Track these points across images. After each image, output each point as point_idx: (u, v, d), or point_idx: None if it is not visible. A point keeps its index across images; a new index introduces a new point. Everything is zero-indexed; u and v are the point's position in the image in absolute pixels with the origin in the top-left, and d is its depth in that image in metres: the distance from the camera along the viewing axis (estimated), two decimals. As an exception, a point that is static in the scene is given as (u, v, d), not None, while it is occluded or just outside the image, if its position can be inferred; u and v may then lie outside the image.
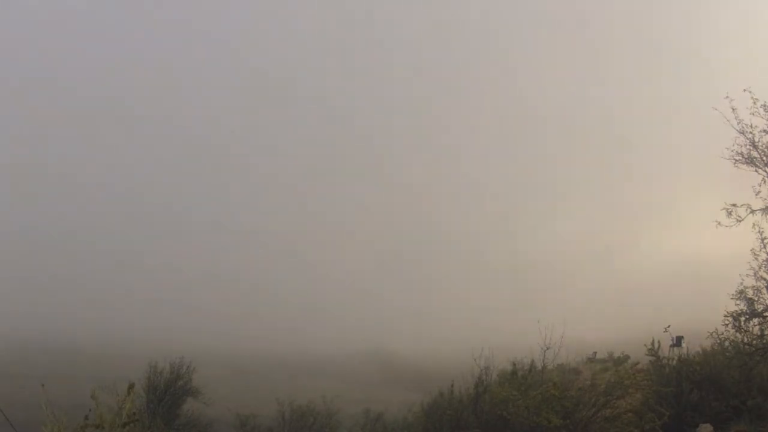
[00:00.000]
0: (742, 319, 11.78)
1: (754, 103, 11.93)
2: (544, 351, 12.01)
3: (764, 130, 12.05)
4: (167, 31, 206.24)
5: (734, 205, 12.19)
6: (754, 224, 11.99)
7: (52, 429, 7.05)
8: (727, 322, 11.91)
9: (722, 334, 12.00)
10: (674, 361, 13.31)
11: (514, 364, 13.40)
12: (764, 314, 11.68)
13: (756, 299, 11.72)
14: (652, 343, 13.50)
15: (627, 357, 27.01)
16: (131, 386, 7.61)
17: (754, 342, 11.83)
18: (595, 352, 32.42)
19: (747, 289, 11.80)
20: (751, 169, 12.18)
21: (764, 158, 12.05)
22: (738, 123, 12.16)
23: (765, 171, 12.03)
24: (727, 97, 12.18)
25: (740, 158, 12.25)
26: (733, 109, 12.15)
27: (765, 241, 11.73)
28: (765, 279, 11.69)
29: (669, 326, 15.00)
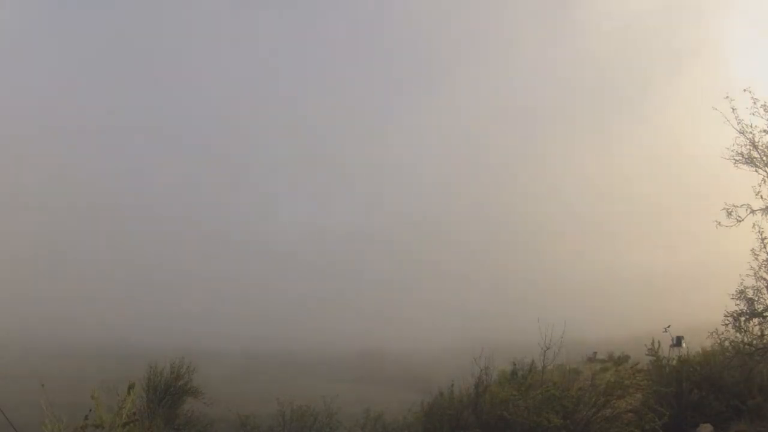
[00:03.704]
0: (742, 319, 11.80)
1: (754, 103, 11.96)
2: (544, 351, 12.01)
3: (764, 130, 12.08)
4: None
5: (734, 205, 12.23)
6: (754, 224, 12.02)
7: (52, 429, 7.06)
8: (727, 322, 11.92)
9: (722, 334, 12.02)
10: (674, 361, 13.31)
11: (514, 364, 13.41)
12: (764, 314, 11.69)
13: (756, 299, 11.74)
14: (652, 343, 13.50)
15: (627, 357, 26.99)
16: (131, 386, 7.63)
17: (754, 342, 11.84)
18: (595, 352, 32.41)
19: (747, 289, 11.83)
20: (751, 169, 12.21)
21: (764, 158, 12.07)
22: (738, 123, 12.20)
23: (765, 171, 12.06)
24: (727, 97, 12.22)
25: (740, 158, 12.28)
26: (733, 109, 12.19)
27: (765, 241, 11.76)
28: (765, 279, 11.71)
29: (669, 326, 15.03)
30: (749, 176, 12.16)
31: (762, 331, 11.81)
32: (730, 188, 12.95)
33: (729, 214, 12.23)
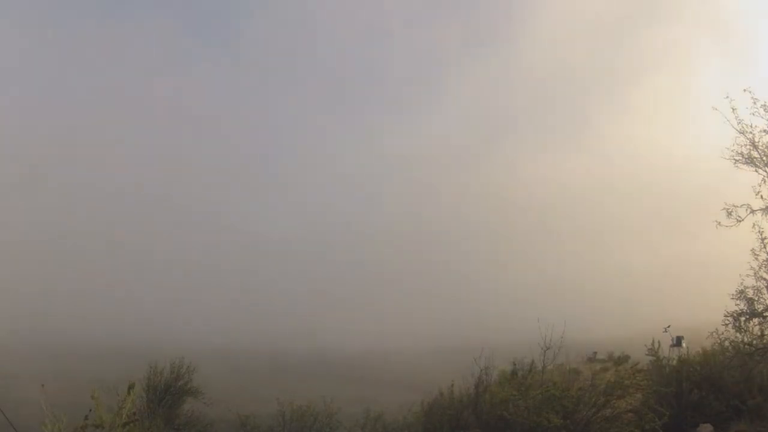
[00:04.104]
0: (742, 319, 11.79)
1: (754, 103, 11.95)
2: (544, 351, 12.01)
3: (764, 130, 12.07)
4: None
5: (734, 205, 12.22)
6: (754, 224, 12.01)
7: (52, 429, 7.06)
8: (727, 322, 11.91)
9: (722, 334, 12.00)
10: (674, 361, 13.30)
11: (514, 364, 13.40)
12: (764, 314, 11.68)
13: (756, 299, 11.73)
14: (652, 343, 13.49)
15: (627, 357, 27.01)
16: (131, 386, 7.63)
17: (754, 342, 11.82)
18: (595, 352, 32.48)
19: (747, 289, 11.81)
20: (751, 169, 12.20)
21: (764, 158, 12.06)
22: (738, 123, 12.19)
23: (765, 171, 12.05)
24: (727, 97, 12.22)
25: (740, 158, 12.27)
26: (733, 109, 12.18)
27: (765, 241, 11.75)
28: (765, 279, 11.70)
29: (669, 326, 15.03)
30: (749, 176, 12.17)
31: (762, 331, 11.80)
32: (730, 188, 12.96)
33: (729, 214, 12.23)
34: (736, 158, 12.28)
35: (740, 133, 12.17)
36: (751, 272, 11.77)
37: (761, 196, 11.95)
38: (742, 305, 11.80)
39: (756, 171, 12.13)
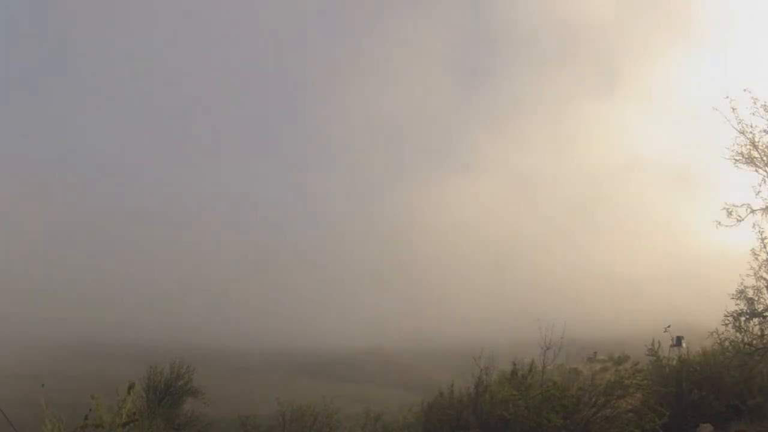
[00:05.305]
0: (742, 319, 11.79)
1: (754, 103, 11.96)
2: (544, 351, 12.00)
3: (764, 130, 12.08)
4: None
5: (734, 205, 12.23)
6: (754, 224, 12.03)
7: (52, 429, 7.07)
8: (727, 322, 11.91)
9: (722, 334, 12.00)
10: (674, 361, 13.29)
11: (514, 364, 13.39)
12: (764, 314, 11.68)
13: (756, 299, 11.74)
14: (652, 343, 13.48)
15: (627, 357, 26.98)
16: (131, 386, 7.63)
17: (754, 342, 11.82)
18: (595, 352, 32.42)
19: (747, 289, 11.83)
20: (751, 169, 12.21)
21: (764, 158, 12.07)
22: (738, 123, 12.20)
23: (765, 171, 12.06)
24: (727, 97, 12.23)
25: (740, 158, 12.28)
26: (733, 109, 12.19)
27: (765, 241, 11.76)
28: (765, 279, 11.71)
29: (669, 326, 15.00)
30: (749, 176, 12.18)
31: (762, 331, 11.80)
32: (730, 188, 12.99)
33: (729, 214, 12.25)
34: (736, 158, 12.30)
35: (740, 133, 12.19)
36: (751, 272, 11.79)
37: (761, 196, 11.98)
38: (742, 305, 11.81)
39: (756, 171, 12.14)
